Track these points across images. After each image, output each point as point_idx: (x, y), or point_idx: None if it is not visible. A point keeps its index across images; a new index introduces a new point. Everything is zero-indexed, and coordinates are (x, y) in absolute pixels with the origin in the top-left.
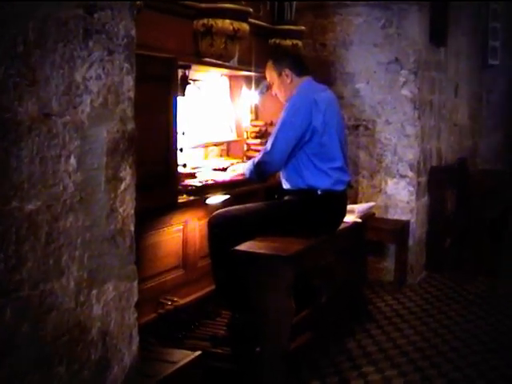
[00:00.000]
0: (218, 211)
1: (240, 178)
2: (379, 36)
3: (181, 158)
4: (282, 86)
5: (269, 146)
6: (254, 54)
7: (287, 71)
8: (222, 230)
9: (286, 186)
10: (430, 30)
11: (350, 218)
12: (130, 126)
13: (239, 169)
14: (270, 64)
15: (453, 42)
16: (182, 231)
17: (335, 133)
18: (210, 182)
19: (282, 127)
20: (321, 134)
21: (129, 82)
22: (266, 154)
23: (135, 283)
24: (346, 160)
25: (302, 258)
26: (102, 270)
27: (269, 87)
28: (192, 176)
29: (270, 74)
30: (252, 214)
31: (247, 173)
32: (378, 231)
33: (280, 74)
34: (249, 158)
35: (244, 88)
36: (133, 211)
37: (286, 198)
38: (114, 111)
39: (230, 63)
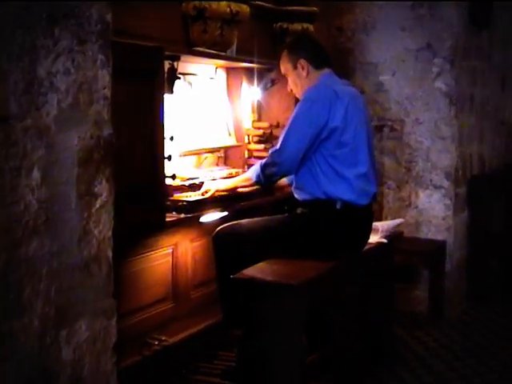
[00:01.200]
0: (222, 226)
1: (246, 183)
2: (407, 18)
3: (169, 168)
4: (298, 81)
5: (279, 143)
6: (256, 42)
7: (303, 62)
8: (224, 249)
9: (298, 195)
10: (470, 10)
11: (373, 239)
12: (107, 130)
13: (244, 174)
14: (284, 54)
15: (498, 24)
16: (172, 256)
17: (360, 131)
18: (206, 195)
19: (294, 122)
20: (341, 131)
21: (104, 77)
22: (275, 152)
23: (114, 320)
24: (373, 166)
25: (316, 287)
26: (73, 305)
27: (274, 82)
28: (183, 189)
29: (285, 67)
30: (259, 230)
31: (254, 176)
32: (408, 254)
33: (295, 66)
34: (250, 166)
35: (244, 83)
36: (110, 233)
37: (299, 210)
38: (87, 113)
39: (227, 53)
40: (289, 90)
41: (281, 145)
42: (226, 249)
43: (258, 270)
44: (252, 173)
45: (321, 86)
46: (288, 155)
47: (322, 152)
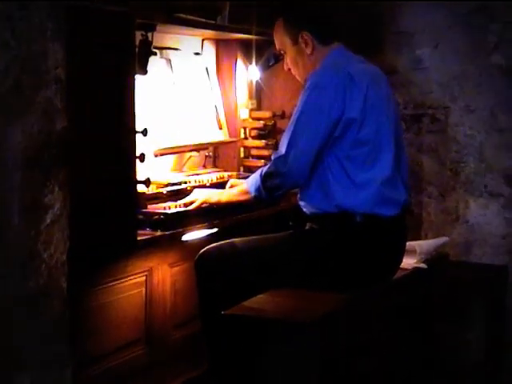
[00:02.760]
0: (209, 247)
1: (242, 198)
2: None
3: (142, 172)
4: (300, 59)
5: (283, 147)
6: (254, 6)
7: (306, 35)
8: (210, 277)
9: (306, 208)
10: None
11: (408, 263)
12: (60, 123)
13: (241, 185)
14: (280, 24)
15: None
16: (145, 285)
17: (384, 124)
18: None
19: (301, 117)
20: (359, 125)
21: (56, 53)
22: (279, 159)
23: (69, 372)
24: (402, 168)
25: (332, 327)
26: (14, 353)
27: (279, 58)
28: (160, 198)
29: (281, 40)
30: (256, 252)
31: (252, 190)
32: (456, 283)
33: (296, 41)
34: (248, 169)
35: (239, 60)
36: (65, 257)
37: (308, 226)
38: (34, 100)
39: (217, 21)
40: (286, 68)
41: (286, 149)
42: (213, 277)
43: (256, 305)
44: (250, 185)
45: (331, 68)
46: (296, 162)
47: (336, 153)
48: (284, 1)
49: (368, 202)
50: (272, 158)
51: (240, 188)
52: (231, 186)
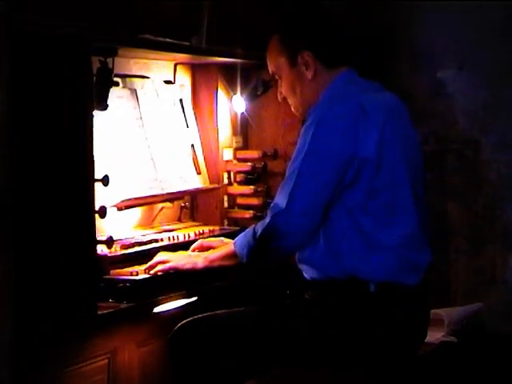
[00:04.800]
0: (185, 322)
1: (229, 263)
2: None
3: (102, 229)
4: (298, 84)
5: (282, 200)
6: (239, 21)
7: (307, 56)
8: (186, 360)
9: (307, 273)
10: None
11: (434, 336)
12: (2, 175)
13: (227, 247)
14: (275, 42)
15: None
16: (107, 370)
17: (405, 171)
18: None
19: (305, 163)
20: (374, 168)
21: None
22: (279, 216)
23: None
24: (425, 221)
25: None
26: None
27: (269, 86)
28: (125, 262)
29: (276, 62)
30: (243, 328)
31: (244, 254)
32: (493, 360)
33: (294, 62)
34: (235, 222)
35: (220, 90)
36: (5, 342)
37: (308, 295)
38: None
39: (192, 42)
40: (280, 98)
41: (287, 203)
42: (189, 360)
43: None
44: (241, 247)
45: (338, 98)
46: (301, 217)
47: (346, 203)
48: (281, 13)
49: (385, 266)
50: (269, 213)
51: (226, 250)
52: (202, 248)
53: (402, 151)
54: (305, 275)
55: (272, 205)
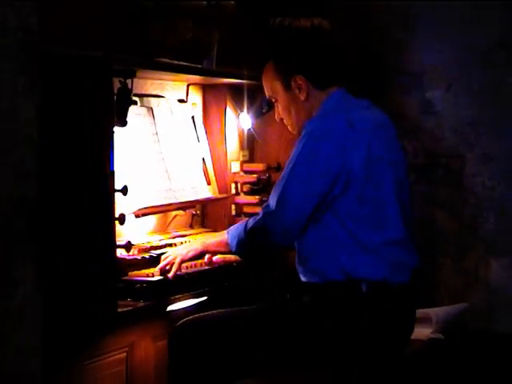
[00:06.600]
0: (183, 321)
1: (220, 249)
2: (470, 4)
3: (122, 234)
4: (293, 106)
5: (273, 201)
6: (245, 47)
7: (300, 80)
8: (182, 358)
9: (302, 275)
10: None
11: (422, 333)
12: (33, 188)
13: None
14: (269, 68)
15: None
16: (126, 362)
17: (391, 182)
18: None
19: (294, 169)
20: (363, 179)
21: (28, 110)
22: (268, 215)
23: None
24: (410, 227)
25: None
26: None
27: (273, 105)
28: (142, 264)
29: (272, 86)
30: (239, 328)
31: (234, 244)
32: (477, 357)
33: (288, 86)
34: None
35: (229, 108)
36: (38, 340)
37: (306, 298)
38: (3, 163)
39: (203, 65)
40: (277, 118)
41: (277, 204)
42: (185, 358)
43: None
44: (233, 237)
45: (329, 114)
46: (287, 222)
47: (338, 211)
48: (274, 40)
49: (376, 266)
50: (261, 211)
51: (220, 239)
52: None
53: (389, 163)
54: (302, 279)
55: (265, 204)
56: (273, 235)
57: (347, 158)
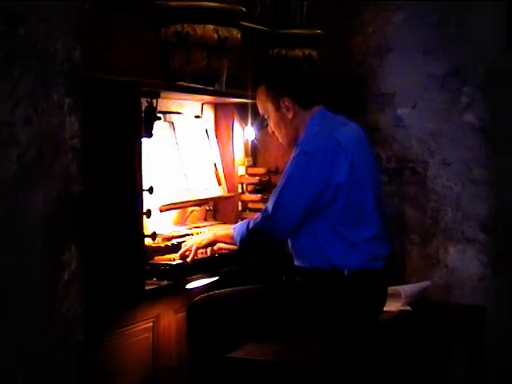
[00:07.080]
0: (199, 297)
1: (227, 241)
2: (431, 38)
3: (148, 226)
4: (282, 123)
5: (270, 207)
6: (249, 72)
7: (287, 101)
8: (198, 328)
9: (297, 262)
10: (509, 28)
11: (393, 306)
12: (76, 188)
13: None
14: (262, 91)
15: None
16: (152, 331)
17: (369, 186)
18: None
19: (288, 183)
20: (348, 190)
21: (72, 125)
22: (266, 218)
23: None
24: (385, 224)
25: (338, 366)
26: None
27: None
28: (165, 251)
29: (264, 106)
30: (242, 303)
31: (238, 239)
32: (437, 324)
33: (278, 106)
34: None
35: (236, 122)
36: (81, 311)
37: (298, 278)
38: (52, 167)
39: (215, 87)
40: (270, 131)
41: (273, 210)
42: (201, 327)
43: (249, 353)
44: (237, 234)
45: (319, 135)
46: (281, 225)
47: (328, 217)
48: (266, 68)
49: (358, 259)
50: (260, 214)
51: (227, 232)
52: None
53: (367, 170)
54: (296, 263)
55: (264, 207)
56: (269, 235)
57: (334, 173)
